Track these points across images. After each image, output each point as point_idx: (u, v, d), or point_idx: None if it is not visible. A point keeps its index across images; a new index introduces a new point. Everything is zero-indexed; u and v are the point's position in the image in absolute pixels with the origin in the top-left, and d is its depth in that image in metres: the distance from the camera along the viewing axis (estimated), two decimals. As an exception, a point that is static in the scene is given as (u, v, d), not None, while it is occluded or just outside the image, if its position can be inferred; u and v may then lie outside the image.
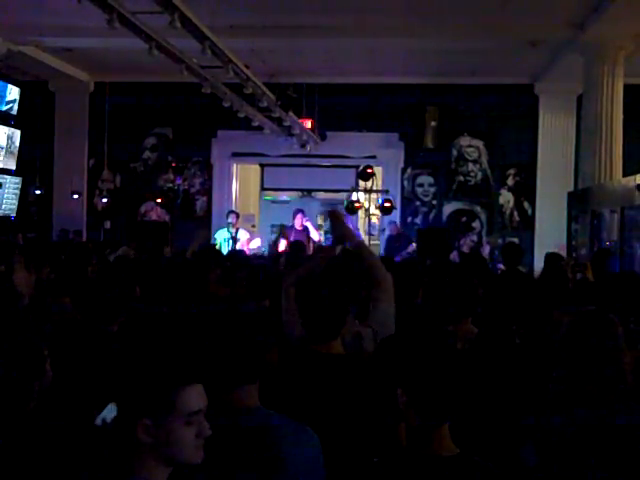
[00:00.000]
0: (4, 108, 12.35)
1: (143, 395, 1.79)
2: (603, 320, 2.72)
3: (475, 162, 13.60)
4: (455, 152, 13.58)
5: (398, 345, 2.03)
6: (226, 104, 10.04)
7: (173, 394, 1.79)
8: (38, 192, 13.87)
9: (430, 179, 13.66)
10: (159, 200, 13.80)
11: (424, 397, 1.93)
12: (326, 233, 13.13)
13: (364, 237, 12.30)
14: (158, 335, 3.49)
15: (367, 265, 3.51)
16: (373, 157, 13.34)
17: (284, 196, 15.40)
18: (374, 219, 12.98)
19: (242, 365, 2.18)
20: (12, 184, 13.02)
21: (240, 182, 14.72)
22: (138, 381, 1.82)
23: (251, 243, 11.69)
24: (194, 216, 14.10)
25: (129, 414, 1.78)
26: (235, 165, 14.43)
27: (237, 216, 11.90)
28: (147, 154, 14.17)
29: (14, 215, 13.16)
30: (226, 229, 11.70)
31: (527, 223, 13.42)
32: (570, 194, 11.27)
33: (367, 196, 12.16)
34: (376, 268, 3.49)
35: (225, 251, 10.23)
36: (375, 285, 3.43)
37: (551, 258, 6.91)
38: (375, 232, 12.19)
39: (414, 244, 11.43)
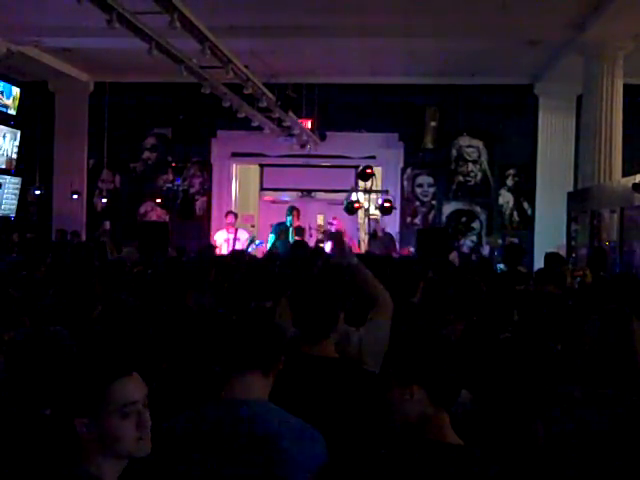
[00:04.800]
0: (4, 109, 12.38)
1: (73, 394, 1.79)
2: (620, 317, 2.79)
3: (475, 162, 13.60)
4: (455, 152, 13.59)
5: (414, 343, 2.07)
6: (226, 104, 10.05)
7: (102, 389, 1.78)
8: (38, 192, 13.87)
9: (430, 179, 13.66)
10: (159, 200, 13.81)
11: (446, 388, 2.01)
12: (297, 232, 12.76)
13: (365, 237, 12.30)
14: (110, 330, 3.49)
15: (366, 286, 3.51)
16: (373, 157, 13.33)
17: (284, 196, 15.40)
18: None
19: (255, 345, 2.21)
20: (12, 184, 13.03)
21: (240, 182, 14.73)
22: (66, 381, 1.82)
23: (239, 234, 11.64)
24: (194, 216, 14.10)
25: (65, 414, 1.79)
26: (235, 165, 14.43)
27: (235, 216, 11.89)
28: (147, 154, 14.17)
29: (14, 215, 13.16)
30: (225, 230, 11.70)
31: (527, 223, 13.41)
32: (570, 194, 11.27)
33: (367, 196, 12.15)
34: (375, 289, 3.50)
35: (225, 252, 10.25)
36: (374, 305, 3.45)
37: (551, 258, 6.91)
38: (380, 233, 12.18)
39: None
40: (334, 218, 12.44)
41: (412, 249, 11.97)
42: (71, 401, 1.79)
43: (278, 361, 2.29)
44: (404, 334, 2.16)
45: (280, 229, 11.25)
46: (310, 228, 13.75)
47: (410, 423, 2.02)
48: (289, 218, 11.26)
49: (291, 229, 11.11)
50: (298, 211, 11.51)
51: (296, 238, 10.80)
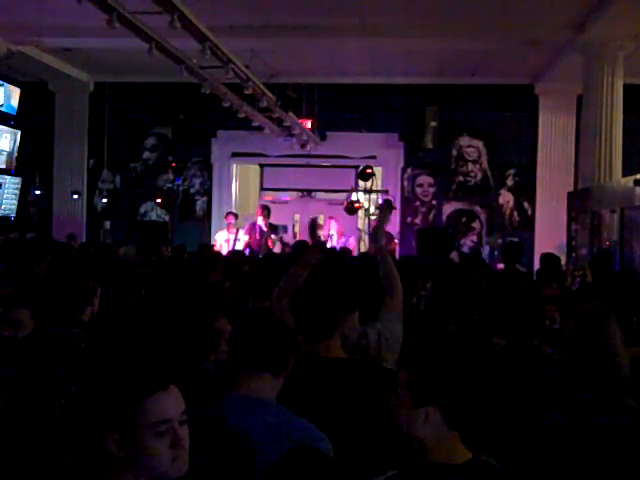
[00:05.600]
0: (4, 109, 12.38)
1: (105, 408, 1.65)
2: (600, 316, 2.78)
3: (475, 162, 13.59)
4: (455, 152, 13.58)
5: (435, 364, 2.01)
6: (226, 104, 10.04)
7: (136, 404, 1.65)
8: (38, 192, 13.87)
9: (430, 179, 13.66)
10: (159, 200, 13.80)
11: (463, 412, 1.94)
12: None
13: (364, 237, 12.32)
14: (132, 339, 3.45)
15: (386, 272, 3.52)
16: (373, 157, 13.34)
17: (284, 196, 15.40)
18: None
19: (265, 346, 2.21)
20: (12, 184, 13.03)
21: (240, 182, 14.73)
22: (98, 394, 1.68)
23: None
24: (194, 216, 14.10)
25: (96, 429, 1.65)
26: (235, 165, 14.42)
27: (235, 217, 11.91)
28: (147, 154, 14.17)
29: (14, 215, 13.16)
30: (225, 231, 11.72)
31: (527, 223, 13.41)
32: (570, 194, 11.27)
33: (367, 196, 12.17)
34: (393, 278, 3.51)
35: (225, 252, 10.25)
36: (388, 294, 3.46)
37: (547, 258, 6.88)
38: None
39: None
40: (330, 218, 12.48)
41: (397, 240, 12.11)
42: (101, 414, 1.65)
43: (288, 363, 2.29)
44: (423, 352, 2.07)
45: (253, 229, 11.45)
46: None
47: (420, 443, 1.96)
48: (260, 218, 11.48)
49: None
50: (269, 210, 11.74)
51: (272, 236, 11.04)
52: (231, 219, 11.75)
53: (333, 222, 12.41)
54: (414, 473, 1.94)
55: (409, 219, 13.60)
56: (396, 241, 12.18)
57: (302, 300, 2.88)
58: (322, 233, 13.01)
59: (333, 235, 12.17)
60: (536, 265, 11.48)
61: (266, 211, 11.63)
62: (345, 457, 2.27)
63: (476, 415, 1.96)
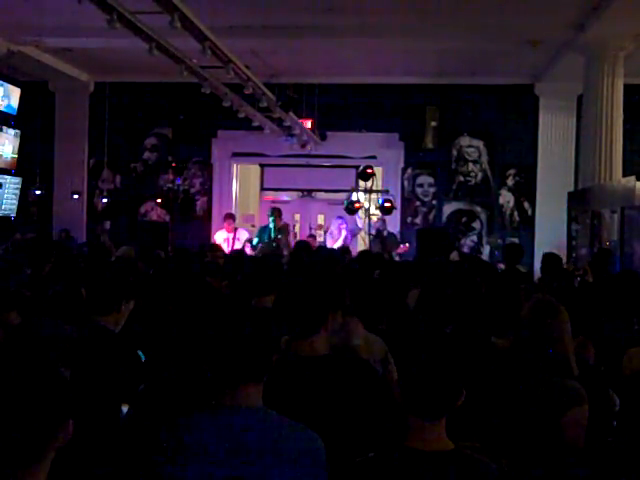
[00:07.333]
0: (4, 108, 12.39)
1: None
2: (551, 308, 2.91)
3: (475, 162, 13.59)
4: (455, 152, 13.58)
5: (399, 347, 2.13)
6: (226, 104, 10.05)
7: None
8: (38, 192, 13.87)
9: (430, 179, 13.66)
10: (159, 200, 13.80)
11: (413, 395, 2.05)
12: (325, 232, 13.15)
13: (365, 237, 12.31)
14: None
15: None
16: (373, 157, 13.33)
17: (284, 196, 15.41)
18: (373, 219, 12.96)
19: (249, 361, 2.18)
20: (12, 184, 13.03)
21: (240, 182, 14.73)
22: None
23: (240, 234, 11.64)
24: (194, 216, 14.10)
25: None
26: (235, 165, 14.43)
27: (233, 219, 11.91)
28: (147, 154, 14.17)
29: (14, 215, 13.16)
30: (224, 230, 11.73)
31: (527, 223, 13.41)
32: (570, 194, 11.27)
33: (367, 196, 12.15)
34: None
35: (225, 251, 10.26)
36: None
37: (549, 258, 6.89)
38: (373, 231, 12.16)
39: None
40: (340, 217, 12.45)
41: (407, 244, 12.00)
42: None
43: (270, 366, 2.25)
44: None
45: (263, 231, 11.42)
46: (311, 228, 13.82)
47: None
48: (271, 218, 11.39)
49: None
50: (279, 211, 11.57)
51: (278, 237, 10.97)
52: (229, 221, 11.77)
53: (344, 223, 12.43)
54: (390, 456, 2.04)
55: (409, 219, 13.61)
56: (407, 245, 11.92)
57: (286, 296, 2.86)
58: (320, 232, 13.06)
59: (345, 235, 12.25)
60: (536, 265, 11.51)
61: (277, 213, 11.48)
62: (334, 451, 2.27)
63: (427, 400, 2.04)
